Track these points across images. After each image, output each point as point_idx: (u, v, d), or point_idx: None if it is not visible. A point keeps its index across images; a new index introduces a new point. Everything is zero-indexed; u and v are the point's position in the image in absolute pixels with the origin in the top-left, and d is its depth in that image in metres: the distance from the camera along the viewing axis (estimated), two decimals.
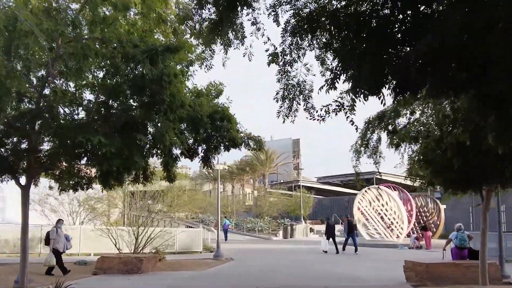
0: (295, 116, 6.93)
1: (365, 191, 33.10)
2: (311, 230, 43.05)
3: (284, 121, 6.87)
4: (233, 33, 6.50)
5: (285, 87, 6.75)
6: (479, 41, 4.50)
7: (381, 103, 5.37)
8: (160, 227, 19.34)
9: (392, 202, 31.13)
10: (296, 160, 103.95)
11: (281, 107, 6.89)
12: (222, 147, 10.18)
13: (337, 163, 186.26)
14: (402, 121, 11.65)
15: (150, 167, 10.40)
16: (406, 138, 10.77)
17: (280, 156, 76.04)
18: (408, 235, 31.45)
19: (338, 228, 45.33)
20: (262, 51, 6.63)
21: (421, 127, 10.85)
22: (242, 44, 6.74)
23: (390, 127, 11.69)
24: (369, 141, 11.88)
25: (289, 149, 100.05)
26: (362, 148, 12.09)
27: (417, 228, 33.60)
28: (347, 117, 6.13)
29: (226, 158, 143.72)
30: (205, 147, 10.22)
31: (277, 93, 6.83)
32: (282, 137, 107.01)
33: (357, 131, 11.67)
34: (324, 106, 6.11)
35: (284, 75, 6.64)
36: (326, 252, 24.60)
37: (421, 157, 11.08)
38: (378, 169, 11.94)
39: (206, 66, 8.56)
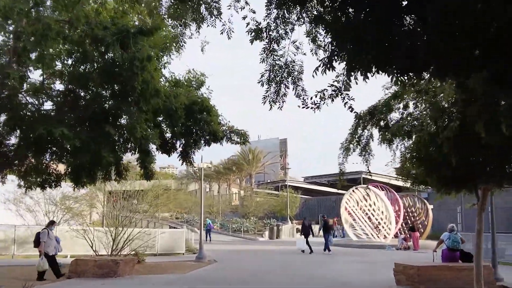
0: (283, 102, 6.12)
1: (353, 190, 32.54)
2: (298, 230, 42.34)
3: (271, 108, 6.06)
4: (206, 5, 5.65)
5: (271, 68, 5.91)
6: (496, 10, 3.82)
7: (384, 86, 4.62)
8: (140, 228, 18.46)
9: (379, 202, 30.59)
10: (283, 160, 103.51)
11: (267, 91, 6.06)
12: (202, 142, 9.40)
13: (325, 163, 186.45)
14: (394, 116, 11.01)
15: (124, 163, 9.57)
16: (399, 133, 10.09)
17: (267, 156, 75.38)
18: (396, 236, 30.95)
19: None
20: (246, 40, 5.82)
21: (415, 122, 10.21)
22: (220, 20, 5.88)
23: (382, 123, 11.04)
24: (360, 137, 11.22)
25: (276, 149, 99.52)
26: (352, 146, 11.41)
27: (405, 228, 33.13)
28: (345, 103, 5.41)
29: (213, 157, 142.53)
30: (183, 142, 9.42)
31: (262, 75, 5.99)
32: (269, 137, 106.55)
33: (356, 118, 11.17)
34: (318, 92, 5.36)
35: (270, 54, 5.79)
36: (303, 251, 24.67)
37: (414, 154, 10.42)
38: (368, 167, 11.26)
39: (179, 46, 7.69)
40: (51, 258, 13.74)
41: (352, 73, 4.67)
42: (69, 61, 8.90)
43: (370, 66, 4.41)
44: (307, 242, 24.78)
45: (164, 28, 7.56)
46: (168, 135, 9.25)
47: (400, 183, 51.14)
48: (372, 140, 11.23)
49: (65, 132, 7.15)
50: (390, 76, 4.58)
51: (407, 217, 33.25)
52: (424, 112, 10.24)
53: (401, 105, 10.78)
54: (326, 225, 25.73)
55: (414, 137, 10.39)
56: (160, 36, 7.64)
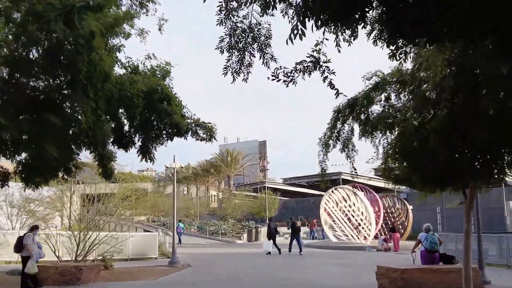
0: (248, 73, 5.19)
1: (332, 191, 31.89)
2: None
3: (234, 81, 5.15)
4: None
5: (232, 32, 4.99)
6: None
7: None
8: (106, 232, 17.28)
9: (359, 203, 29.99)
10: (262, 162, 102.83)
11: (228, 60, 5.13)
12: (164, 136, 8.44)
13: (305, 166, 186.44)
14: (376, 109, 10.24)
15: (77, 161, 8.55)
16: (380, 125, 9.32)
17: (246, 157, 74.58)
18: (376, 237, 30.40)
19: (305, 230, 44.28)
20: None
21: (398, 113, 9.45)
22: None
23: (362, 116, 10.27)
24: (340, 132, 10.41)
25: (256, 151, 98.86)
26: (331, 141, 10.61)
27: (385, 229, 32.63)
28: (325, 78, 4.58)
29: (190, 159, 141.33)
30: (142, 135, 8.44)
31: (221, 41, 5.05)
32: (248, 139, 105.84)
33: (334, 112, 10.35)
34: (297, 64, 4.48)
35: (228, 15, 4.85)
36: (269, 253, 24.49)
37: (397, 149, 9.65)
38: (352, 164, 10.45)
39: (132, 24, 6.73)
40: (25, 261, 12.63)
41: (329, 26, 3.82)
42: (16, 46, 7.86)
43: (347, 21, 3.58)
44: (275, 244, 24.66)
45: (116, 6, 6.62)
46: (126, 128, 8.24)
47: (379, 183, 50.85)
48: (353, 135, 10.46)
49: (3, 123, 6.15)
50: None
51: (387, 218, 32.78)
52: (408, 104, 9.50)
53: (382, 97, 10.03)
54: (293, 227, 25.44)
55: (397, 130, 9.65)
56: (112, 14, 6.67)
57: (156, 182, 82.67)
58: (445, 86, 7.65)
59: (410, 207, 32.79)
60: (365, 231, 29.94)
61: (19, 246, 12.71)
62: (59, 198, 16.93)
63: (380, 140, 10.18)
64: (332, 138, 10.51)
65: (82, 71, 5.98)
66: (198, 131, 8.95)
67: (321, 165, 10.87)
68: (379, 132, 10.00)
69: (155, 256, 22.38)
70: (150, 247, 22.35)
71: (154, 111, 7.87)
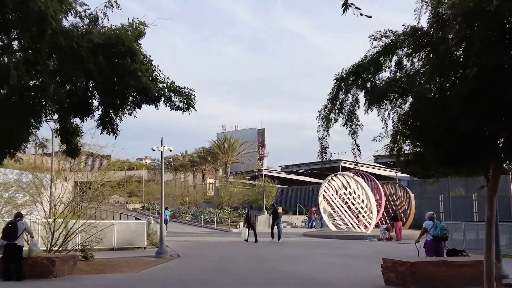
0: None
1: (331, 178, 30.49)
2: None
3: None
4: None
5: None
6: None
7: None
8: (92, 219, 15.88)
9: (360, 190, 28.59)
10: (260, 150, 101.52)
11: None
12: (130, 102, 6.97)
13: (304, 155, 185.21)
14: (384, 76, 8.77)
15: (32, 134, 7.10)
16: (390, 92, 7.87)
17: (243, 145, 73.12)
18: (377, 226, 29.10)
19: (303, 218, 43.03)
20: None
21: (411, 80, 7.98)
22: None
23: (369, 85, 8.80)
24: (342, 104, 8.96)
25: (254, 139, 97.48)
26: (333, 115, 9.17)
27: (386, 218, 31.31)
28: None
29: (187, 147, 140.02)
30: (102, 101, 6.97)
31: None
32: (247, 127, 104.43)
33: (336, 81, 8.88)
34: None
35: None
36: (246, 240, 24.34)
37: (410, 121, 8.21)
38: (355, 141, 9.03)
39: None
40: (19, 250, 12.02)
41: None
42: None
43: None
44: (255, 232, 24.44)
45: None
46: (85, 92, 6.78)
47: (380, 171, 49.22)
48: (358, 107, 9.00)
49: None
50: None
51: (388, 206, 31.40)
52: (424, 69, 8.02)
53: (393, 62, 8.56)
54: (275, 213, 25.55)
55: (410, 99, 8.20)
56: None
57: (152, 170, 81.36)
58: (475, 39, 6.21)
59: (412, 195, 31.36)
60: (366, 219, 28.60)
61: (15, 233, 11.88)
62: (34, 183, 15.48)
63: (389, 113, 8.73)
64: (334, 110, 9.07)
65: (8, 7, 4.54)
66: (172, 98, 7.50)
67: (321, 142, 9.43)
68: (388, 102, 8.55)
69: (144, 245, 21.07)
70: (138, 236, 21.03)
71: (114, 70, 6.40)
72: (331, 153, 9.54)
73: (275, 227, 25.10)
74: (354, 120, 8.92)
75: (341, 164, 49.03)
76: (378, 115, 8.66)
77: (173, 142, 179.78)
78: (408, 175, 54.93)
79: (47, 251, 14.26)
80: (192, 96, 7.61)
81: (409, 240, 25.89)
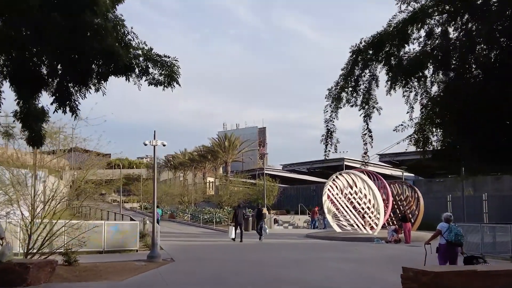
0: None
1: (336, 176, 29.00)
2: (276, 221, 38.78)
3: None
4: None
5: None
6: None
7: None
8: (64, 220, 14.25)
9: (367, 190, 27.08)
10: (261, 149, 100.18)
11: None
12: (94, 72, 5.49)
13: (306, 155, 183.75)
14: (412, 49, 7.30)
15: None
16: (426, 64, 6.41)
17: (244, 143, 71.68)
18: (383, 227, 27.65)
19: (305, 218, 41.51)
20: None
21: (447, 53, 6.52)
22: None
23: (392, 60, 7.33)
24: (358, 81, 7.51)
25: (255, 138, 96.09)
26: (345, 94, 7.70)
27: (393, 219, 29.84)
28: None
29: (187, 145, 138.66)
30: (58, 71, 5.49)
31: None
32: (248, 126, 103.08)
33: (352, 53, 7.41)
34: None
35: None
36: (234, 239, 24.25)
37: (445, 103, 6.75)
38: (367, 124, 7.57)
39: None
40: None
41: None
42: None
43: None
44: (241, 231, 24.50)
45: None
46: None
47: (385, 170, 47.63)
48: (377, 86, 7.55)
49: None
50: None
51: (395, 206, 29.92)
52: (457, 43, 6.55)
53: (422, 33, 7.10)
54: (259, 213, 25.76)
55: (442, 77, 6.75)
56: None
57: (151, 168, 79.94)
58: None
59: (420, 195, 29.86)
60: (373, 220, 27.10)
61: None
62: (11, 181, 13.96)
63: (417, 94, 7.28)
64: (347, 89, 7.60)
65: None
66: (150, 69, 6.02)
67: (327, 125, 7.97)
68: (416, 80, 7.10)
69: (136, 248, 19.56)
70: (130, 238, 19.52)
71: (72, 29, 4.92)
72: (337, 139, 8.09)
73: (260, 227, 25.32)
74: (371, 101, 7.46)
75: (345, 163, 47.62)
76: (404, 96, 7.22)
77: (173, 141, 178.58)
78: (413, 175, 53.58)
79: (23, 256, 12.80)
80: (176, 67, 6.12)
81: (418, 242, 24.42)
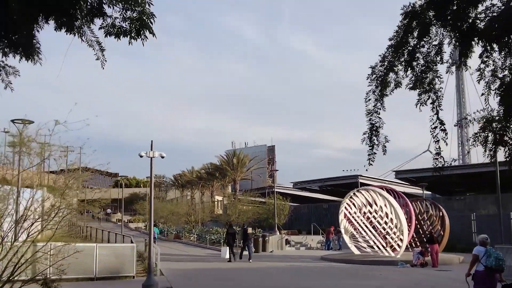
0: None
1: (354, 193, 26.71)
2: (287, 242, 36.39)
3: None
4: None
5: None
6: None
7: None
8: (42, 243, 12.14)
9: (388, 208, 24.72)
10: (271, 167, 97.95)
11: None
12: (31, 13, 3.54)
13: (313, 172, 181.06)
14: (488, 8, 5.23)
15: None
16: None
17: (253, 160, 69.62)
18: (406, 249, 25.30)
19: (318, 239, 39.10)
20: None
21: None
22: None
23: (462, 23, 5.26)
24: (414, 54, 5.45)
25: (264, 156, 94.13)
26: (393, 74, 5.63)
27: (416, 239, 27.41)
28: None
29: (194, 163, 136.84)
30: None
31: None
32: (256, 144, 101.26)
33: (405, 13, 5.39)
34: None
35: None
36: (230, 261, 24.18)
37: None
38: (437, 113, 5.47)
39: None
40: None
41: None
42: None
43: None
44: (231, 250, 24.58)
45: None
46: None
47: (401, 188, 45.16)
48: (441, 60, 5.49)
49: None
50: None
51: (418, 226, 27.48)
52: None
53: None
54: (245, 234, 26.07)
55: None
56: None
57: (157, 187, 78.01)
58: None
59: (445, 213, 27.42)
60: (395, 241, 24.69)
61: None
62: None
63: (496, 69, 5.19)
64: (395, 67, 5.54)
65: None
66: (105, 5, 4.03)
67: (370, 119, 5.91)
68: (497, 49, 5.02)
69: (132, 273, 17.40)
70: (126, 262, 17.37)
71: None
72: (386, 137, 5.98)
73: (246, 247, 25.36)
74: (435, 81, 5.38)
75: (360, 180, 45.28)
76: (479, 69, 5.12)
77: (181, 161, 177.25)
78: (430, 192, 51.03)
79: None
80: (147, 8, 4.11)
81: (446, 266, 22.06)
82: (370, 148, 5.99)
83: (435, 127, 5.67)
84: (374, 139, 5.91)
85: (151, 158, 14.60)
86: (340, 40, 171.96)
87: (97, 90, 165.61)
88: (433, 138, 5.71)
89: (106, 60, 4.84)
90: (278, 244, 34.56)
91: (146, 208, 57.97)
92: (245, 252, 25.48)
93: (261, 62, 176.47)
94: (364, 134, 5.92)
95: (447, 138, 5.61)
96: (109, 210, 73.12)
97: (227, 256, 24.62)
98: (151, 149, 14.66)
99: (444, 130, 5.62)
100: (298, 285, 15.81)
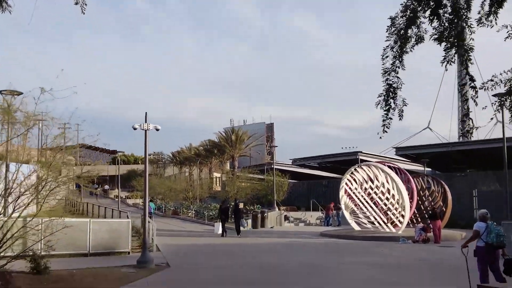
0: None
1: (355, 169, 26.16)
2: (286, 218, 36.01)
3: None
4: None
5: None
6: None
7: None
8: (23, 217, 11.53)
9: (390, 184, 24.19)
10: (269, 145, 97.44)
11: None
12: None
13: (312, 150, 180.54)
14: None
15: None
16: None
17: (251, 137, 68.86)
18: (407, 225, 24.88)
19: (317, 215, 38.75)
20: None
21: None
22: None
23: None
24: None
25: (263, 133, 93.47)
26: (415, 28, 4.92)
27: (417, 215, 26.97)
28: None
29: (193, 140, 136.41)
30: None
31: None
32: (255, 121, 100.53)
33: None
34: None
35: None
36: (223, 235, 24.41)
37: None
38: (467, 67, 4.78)
39: None
40: None
41: None
42: None
43: None
44: (223, 226, 24.80)
45: None
46: None
47: (402, 165, 44.90)
48: (468, 10, 4.77)
49: None
50: None
51: (419, 202, 26.98)
52: None
53: None
54: (236, 209, 26.32)
55: None
56: None
57: (155, 164, 77.57)
58: None
59: (448, 189, 26.88)
60: (397, 217, 24.24)
61: None
62: None
63: None
64: (419, 15, 4.82)
65: None
66: None
67: (387, 79, 5.24)
68: None
69: (127, 249, 16.91)
70: (121, 238, 16.86)
71: None
72: (404, 100, 5.30)
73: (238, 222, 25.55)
74: (466, 31, 4.68)
75: (360, 157, 44.70)
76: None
77: (180, 139, 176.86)
78: (430, 169, 50.47)
79: None
80: None
81: (448, 242, 21.63)
82: (386, 112, 5.33)
83: (463, 84, 4.99)
84: (390, 102, 5.25)
85: (145, 130, 13.93)
86: (342, 20, 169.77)
87: (98, 72, 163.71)
88: (461, 97, 5.09)
89: (86, 4, 4.24)
90: (277, 220, 34.16)
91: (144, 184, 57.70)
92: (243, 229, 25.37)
93: (262, 42, 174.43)
94: (379, 96, 5.27)
95: (477, 97, 4.93)
96: (106, 187, 72.79)
97: (220, 231, 24.89)
98: (146, 122, 13.99)
99: (474, 88, 4.95)
100: (298, 260, 15.33)
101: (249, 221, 32.28)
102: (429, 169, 49.30)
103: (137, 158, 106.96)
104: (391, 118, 5.37)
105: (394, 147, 47.81)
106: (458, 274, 10.64)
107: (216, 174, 68.99)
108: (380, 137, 5.39)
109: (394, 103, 5.29)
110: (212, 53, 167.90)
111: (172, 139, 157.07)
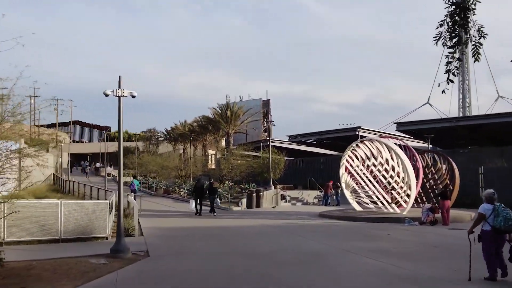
0: None
1: (357, 145, 24.33)
2: (283, 197, 34.33)
3: None
4: None
5: None
6: None
7: None
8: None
9: (395, 161, 22.37)
10: (265, 121, 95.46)
11: None
12: None
13: (308, 127, 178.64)
14: None
15: None
16: None
17: (247, 113, 66.72)
18: (417, 205, 23.27)
19: (315, 194, 37.14)
20: None
21: None
22: None
23: None
24: None
25: (259, 109, 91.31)
26: None
27: (422, 195, 25.32)
28: None
29: (187, 116, 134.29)
30: None
31: None
32: (251, 98, 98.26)
33: None
34: None
35: None
36: (197, 213, 24.58)
37: None
38: None
39: None
40: None
41: None
42: None
43: None
44: (200, 204, 24.83)
45: None
46: None
47: (404, 142, 43.14)
48: None
49: None
50: None
51: (425, 180, 25.32)
52: None
53: None
54: (211, 188, 25.92)
55: None
56: None
57: (148, 140, 75.62)
58: None
59: (455, 166, 25.16)
60: (402, 197, 22.51)
61: None
62: None
63: None
64: None
65: None
66: None
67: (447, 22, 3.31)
68: None
69: (106, 234, 15.14)
70: (98, 221, 15.03)
71: None
72: (480, 28, 3.38)
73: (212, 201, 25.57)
74: None
75: (360, 133, 42.85)
76: None
77: (175, 116, 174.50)
78: (431, 146, 48.77)
79: None
80: None
81: (457, 223, 19.99)
82: (452, 48, 3.40)
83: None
84: (458, 31, 3.33)
85: (119, 97, 11.95)
86: None
87: (90, 42, 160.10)
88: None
89: None
90: (273, 200, 32.49)
91: (136, 162, 55.83)
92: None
93: (258, 16, 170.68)
94: (439, 25, 3.35)
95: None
96: (98, 164, 70.87)
97: (193, 207, 25.17)
98: (119, 87, 12.00)
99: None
100: (298, 246, 13.59)
101: (244, 200, 30.61)
102: (431, 145, 47.66)
103: (130, 135, 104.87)
104: (459, 59, 3.47)
105: (395, 123, 45.94)
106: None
107: (211, 152, 67.17)
108: (443, 91, 3.62)
109: (465, 31, 3.39)
110: (206, 27, 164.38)
111: (165, 115, 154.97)
